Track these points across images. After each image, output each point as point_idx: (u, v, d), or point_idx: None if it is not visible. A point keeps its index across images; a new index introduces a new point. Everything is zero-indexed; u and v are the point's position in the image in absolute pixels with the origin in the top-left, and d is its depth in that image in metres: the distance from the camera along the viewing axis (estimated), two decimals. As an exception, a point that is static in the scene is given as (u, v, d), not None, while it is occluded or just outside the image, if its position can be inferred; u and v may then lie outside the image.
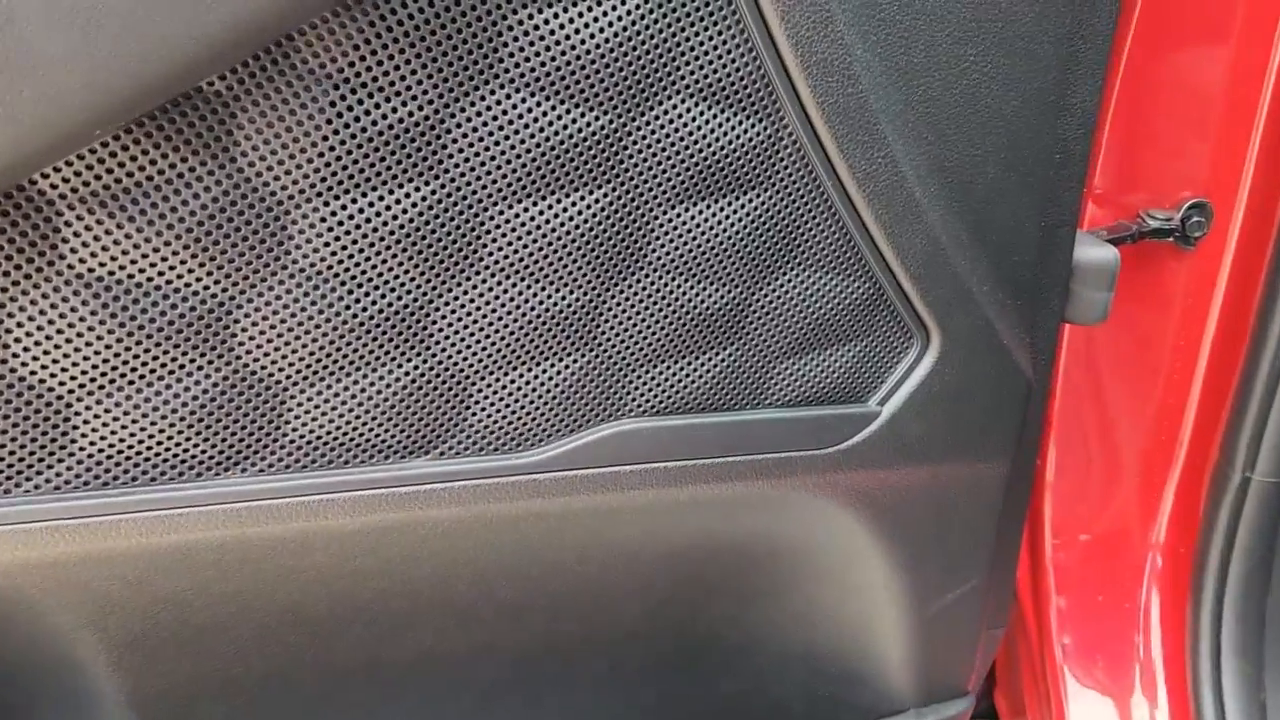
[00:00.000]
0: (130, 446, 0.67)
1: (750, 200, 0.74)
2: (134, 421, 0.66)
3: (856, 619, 1.02)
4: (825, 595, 1.01)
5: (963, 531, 0.97)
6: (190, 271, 0.63)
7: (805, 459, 0.85)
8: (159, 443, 0.68)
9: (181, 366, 0.66)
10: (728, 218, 0.74)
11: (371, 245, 0.66)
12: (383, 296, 0.68)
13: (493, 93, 0.64)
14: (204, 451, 0.69)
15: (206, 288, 0.64)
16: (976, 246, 0.82)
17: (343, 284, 0.66)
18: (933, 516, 0.94)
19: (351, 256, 0.66)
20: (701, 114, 0.70)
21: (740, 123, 0.71)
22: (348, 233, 0.65)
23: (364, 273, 0.66)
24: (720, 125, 0.70)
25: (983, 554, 1.00)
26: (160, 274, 0.62)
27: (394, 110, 0.63)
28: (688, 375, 0.79)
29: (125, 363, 0.64)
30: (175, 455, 0.69)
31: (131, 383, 0.65)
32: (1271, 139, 1.00)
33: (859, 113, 0.72)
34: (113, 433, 0.66)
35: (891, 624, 1.02)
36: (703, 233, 0.74)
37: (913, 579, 0.97)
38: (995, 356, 0.87)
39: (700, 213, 0.73)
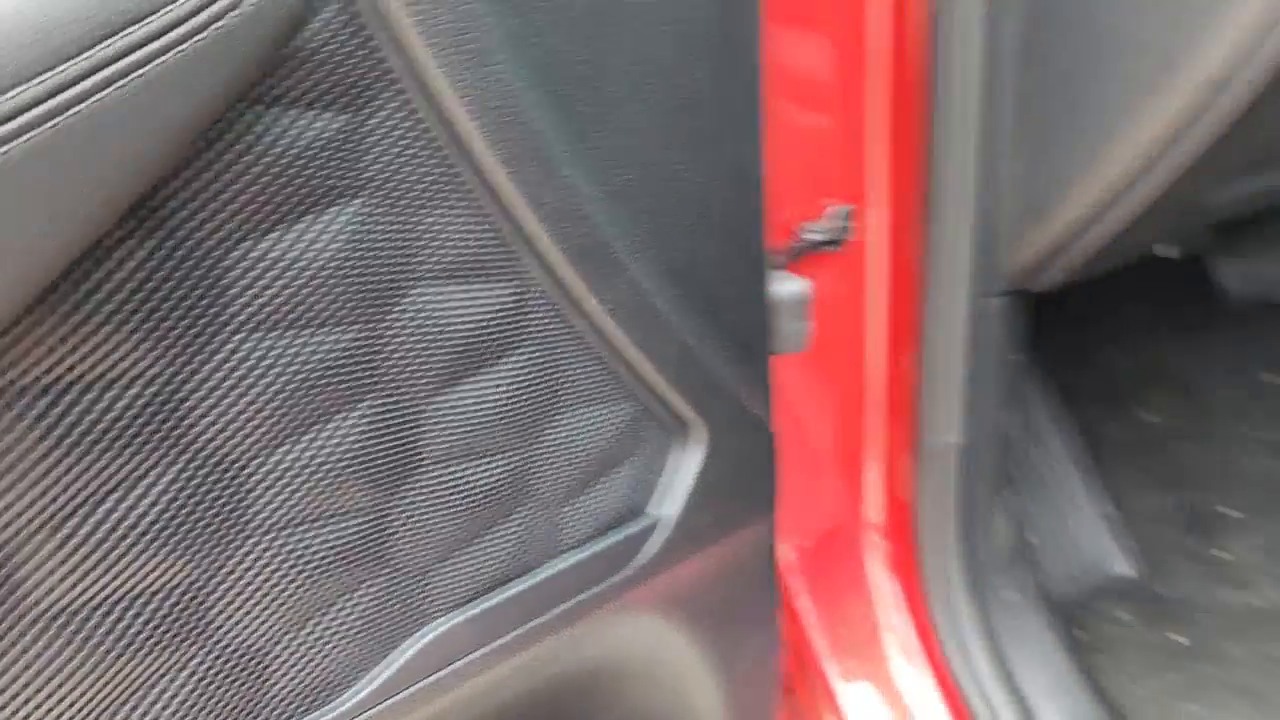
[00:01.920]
0: None
1: (512, 360, 0.69)
2: None
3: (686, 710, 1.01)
4: (657, 699, 0.98)
5: (747, 593, 0.98)
6: None
7: (607, 589, 0.81)
8: None
9: None
10: (495, 385, 0.68)
11: (119, 555, 0.54)
12: (145, 605, 0.56)
13: (226, 342, 0.54)
14: None
15: None
16: (714, 330, 0.81)
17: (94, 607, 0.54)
18: (721, 594, 0.94)
19: (93, 577, 0.53)
20: (448, 288, 0.64)
21: (487, 289, 0.66)
22: (84, 545, 0.52)
23: (118, 586, 0.54)
24: (468, 294, 0.65)
25: (768, 605, 1.02)
26: None
27: (116, 397, 0.51)
28: (486, 553, 0.72)
29: None
30: None
31: None
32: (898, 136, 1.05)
33: (598, 251, 0.69)
34: None
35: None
36: (471, 407, 0.68)
37: (716, 656, 0.97)
38: (747, 424, 0.88)
39: (468, 389, 0.67)
